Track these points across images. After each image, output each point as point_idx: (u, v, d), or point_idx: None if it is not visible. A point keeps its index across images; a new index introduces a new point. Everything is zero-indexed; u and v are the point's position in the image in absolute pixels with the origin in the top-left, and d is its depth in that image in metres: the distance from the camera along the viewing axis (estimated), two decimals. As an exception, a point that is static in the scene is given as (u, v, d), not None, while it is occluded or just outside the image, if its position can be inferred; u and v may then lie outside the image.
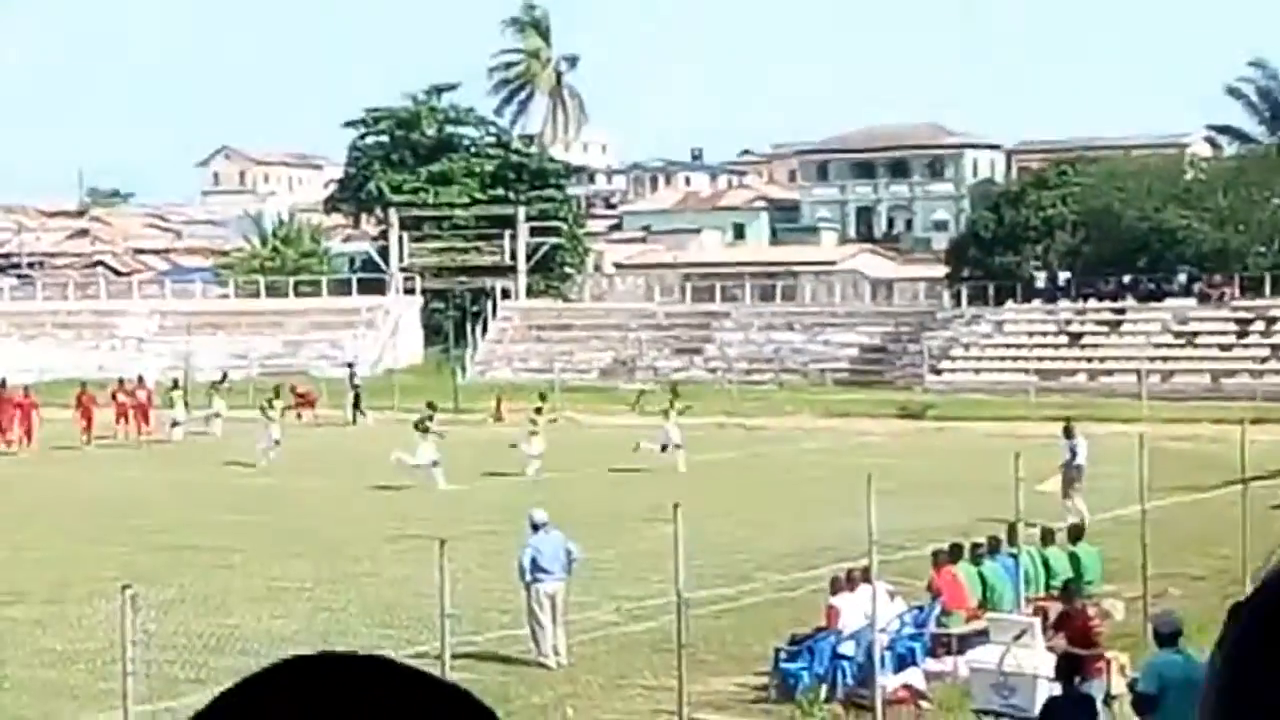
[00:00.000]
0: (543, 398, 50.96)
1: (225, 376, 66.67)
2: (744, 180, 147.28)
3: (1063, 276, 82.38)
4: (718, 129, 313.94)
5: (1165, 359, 72.75)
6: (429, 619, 20.32)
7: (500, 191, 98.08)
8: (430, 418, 45.36)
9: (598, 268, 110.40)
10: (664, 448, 46.77)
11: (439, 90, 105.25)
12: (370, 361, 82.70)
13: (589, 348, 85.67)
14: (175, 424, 58.70)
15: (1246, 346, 73.07)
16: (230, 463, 49.27)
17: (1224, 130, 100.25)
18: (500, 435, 51.39)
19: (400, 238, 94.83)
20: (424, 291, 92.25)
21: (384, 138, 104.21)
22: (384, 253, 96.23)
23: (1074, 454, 36.34)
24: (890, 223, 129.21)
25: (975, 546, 25.31)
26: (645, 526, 30.74)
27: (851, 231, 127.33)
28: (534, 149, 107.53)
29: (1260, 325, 73.75)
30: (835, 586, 22.84)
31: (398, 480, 43.53)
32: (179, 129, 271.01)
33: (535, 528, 24.22)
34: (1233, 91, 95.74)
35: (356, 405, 65.26)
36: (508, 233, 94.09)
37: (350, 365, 71.07)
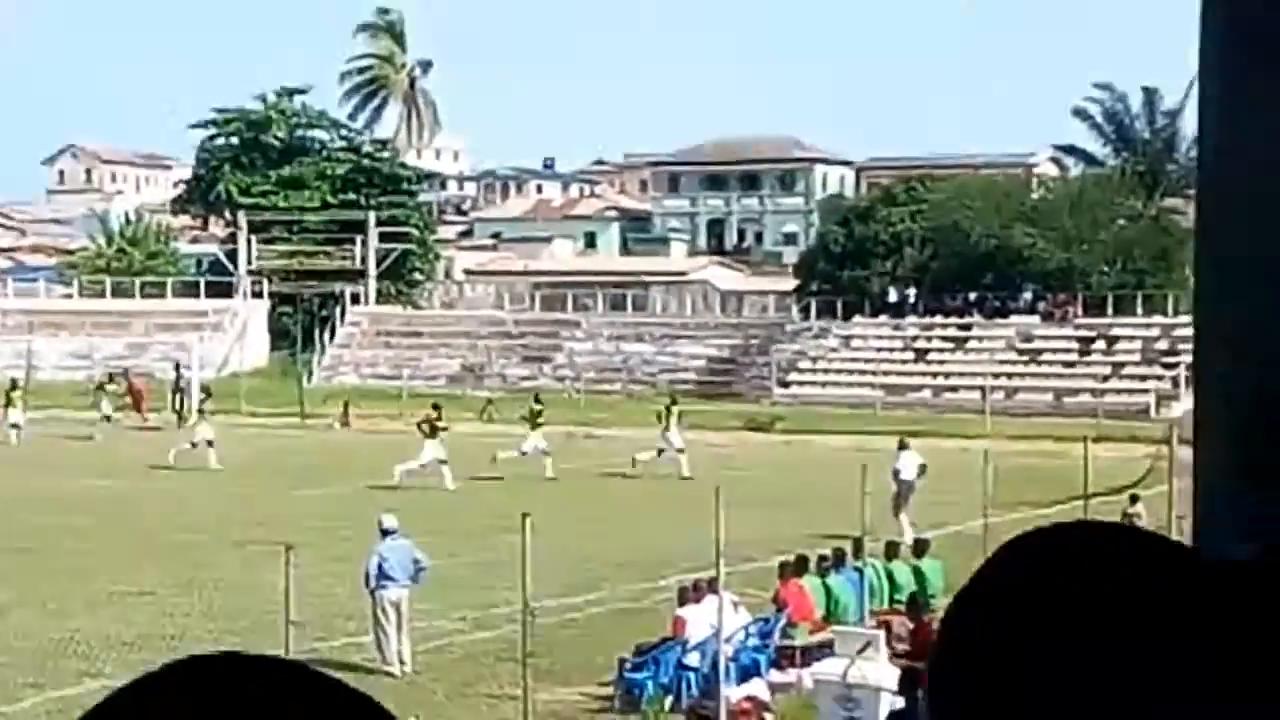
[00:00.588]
0: (537, 400, 51.59)
1: (112, 378, 65.59)
2: (596, 190, 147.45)
3: (910, 292, 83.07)
4: (570, 138, 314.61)
5: (1009, 375, 73.44)
6: (274, 625, 20.19)
7: (351, 196, 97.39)
8: (430, 419, 46.15)
9: (448, 274, 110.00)
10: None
11: (290, 93, 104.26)
12: (216, 365, 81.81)
13: (437, 354, 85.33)
14: (15, 426, 57.62)
15: (1089, 364, 73.97)
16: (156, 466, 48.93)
17: (1070, 151, 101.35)
18: (347, 441, 51.04)
19: (249, 240, 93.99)
20: (272, 295, 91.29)
21: (234, 139, 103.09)
22: (232, 255, 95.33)
23: (897, 470, 36.49)
24: (741, 235, 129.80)
25: (821, 559, 25.50)
26: (494, 535, 30.63)
27: (702, 243, 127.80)
28: (386, 154, 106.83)
29: (1102, 344, 74.72)
30: (682, 597, 22.92)
31: (243, 483, 43.10)
32: (24, 126, 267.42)
33: (384, 534, 24.13)
34: (1079, 113, 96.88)
35: (182, 407, 64.16)
36: (358, 238, 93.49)
37: (178, 366, 69.79)
